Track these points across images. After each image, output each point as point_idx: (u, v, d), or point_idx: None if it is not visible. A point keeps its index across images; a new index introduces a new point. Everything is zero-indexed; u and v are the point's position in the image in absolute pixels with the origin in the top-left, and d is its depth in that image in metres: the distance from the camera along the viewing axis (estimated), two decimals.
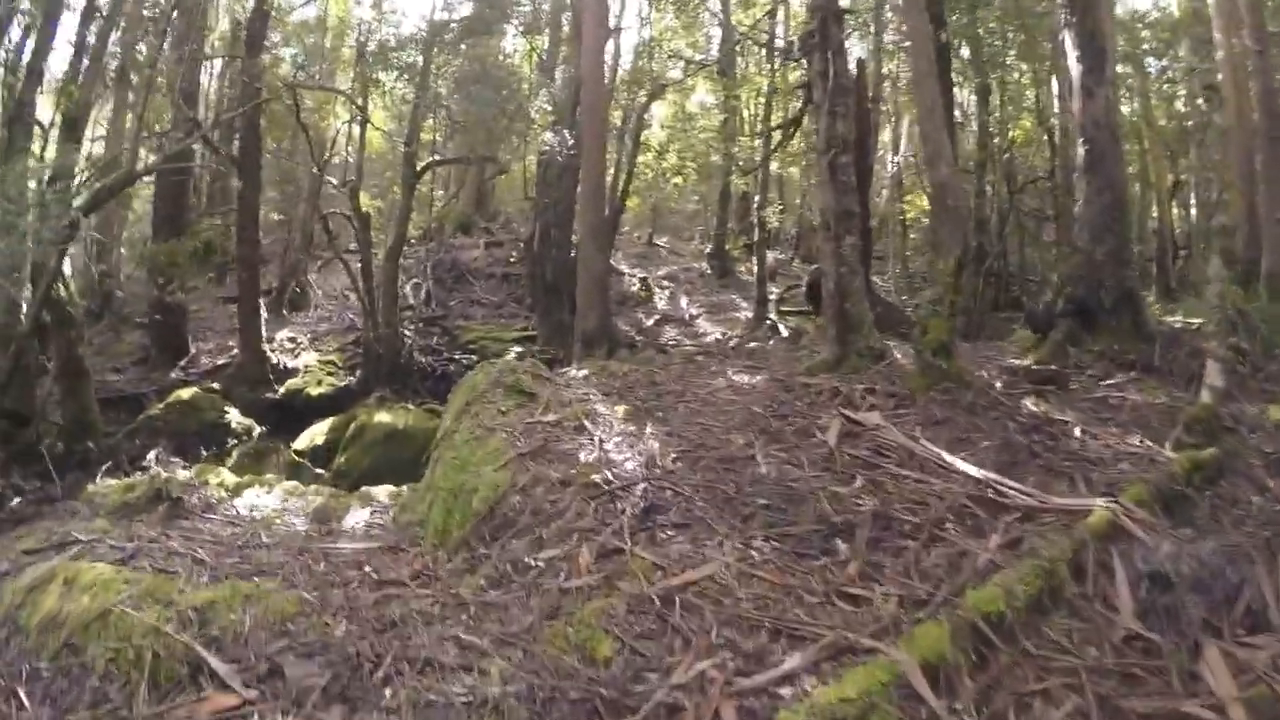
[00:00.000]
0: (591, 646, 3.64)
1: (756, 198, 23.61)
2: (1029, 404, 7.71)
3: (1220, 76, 16.70)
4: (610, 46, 21.51)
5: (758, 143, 24.03)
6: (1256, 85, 15.00)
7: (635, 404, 7.67)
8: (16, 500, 10.59)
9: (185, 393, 16.35)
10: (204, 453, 14.27)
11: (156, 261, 18.19)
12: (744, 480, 5.52)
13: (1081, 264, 11.17)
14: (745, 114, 29.85)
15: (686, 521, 4.92)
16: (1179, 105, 25.86)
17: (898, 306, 16.34)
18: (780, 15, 25.48)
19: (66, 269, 12.82)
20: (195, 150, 20.24)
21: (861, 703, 3.07)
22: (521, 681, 3.45)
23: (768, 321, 20.21)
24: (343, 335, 22.43)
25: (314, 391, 18.87)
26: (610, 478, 5.53)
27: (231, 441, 15.89)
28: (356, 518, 7.31)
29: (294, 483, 8.77)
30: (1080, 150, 11.71)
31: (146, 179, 19.66)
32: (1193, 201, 26.37)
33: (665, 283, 27.63)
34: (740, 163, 23.76)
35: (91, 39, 14.57)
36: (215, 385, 17.90)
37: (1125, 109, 22.33)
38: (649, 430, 6.71)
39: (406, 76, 20.51)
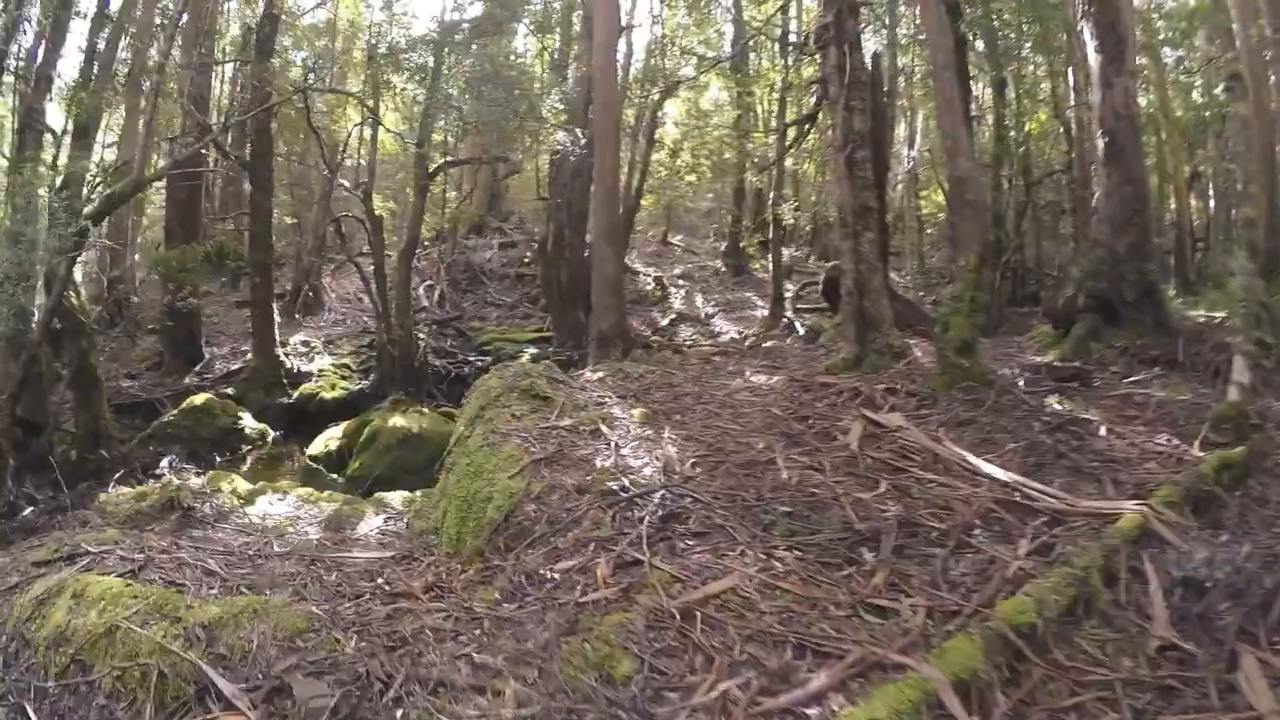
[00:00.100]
0: (610, 665, 3.50)
1: (771, 195, 23.44)
2: (1053, 402, 7.61)
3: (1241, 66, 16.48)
4: (622, 44, 21.40)
5: (772, 139, 23.91)
6: (1276, 74, 14.79)
7: (652, 407, 7.56)
8: (29, 510, 10.58)
9: (199, 398, 16.35)
10: (218, 459, 14.29)
11: (168, 267, 18.17)
12: (765, 486, 5.40)
13: (1103, 258, 11.02)
14: (759, 110, 29.70)
15: (706, 530, 4.79)
16: (1196, 96, 25.55)
17: (916, 304, 16.14)
18: (792, 11, 25.34)
19: (78, 276, 12.80)
20: (206, 155, 20.17)
21: None
22: (537, 704, 3.34)
23: (784, 320, 20.08)
24: (357, 338, 22.49)
25: (328, 395, 18.87)
26: (627, 484, 5.40)
27: (246, 447, 15.90)
28: (370, 525, 7.25)
29: (308, 489, 8.71)
30: (1100, 142, 11.57)
31: (159, 185, 19.69)
32: (1210, 193, 26.06)
33: (680, 282, 27.58)
34: (755, 160, 23.62)
35: (102, 45, 14.56)
36: (229, 390, 17.94)
37: (1141, 100, 22.05)
38: (666, 434, 6.59)
39: (417, 78, 20.42)
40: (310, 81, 18.52)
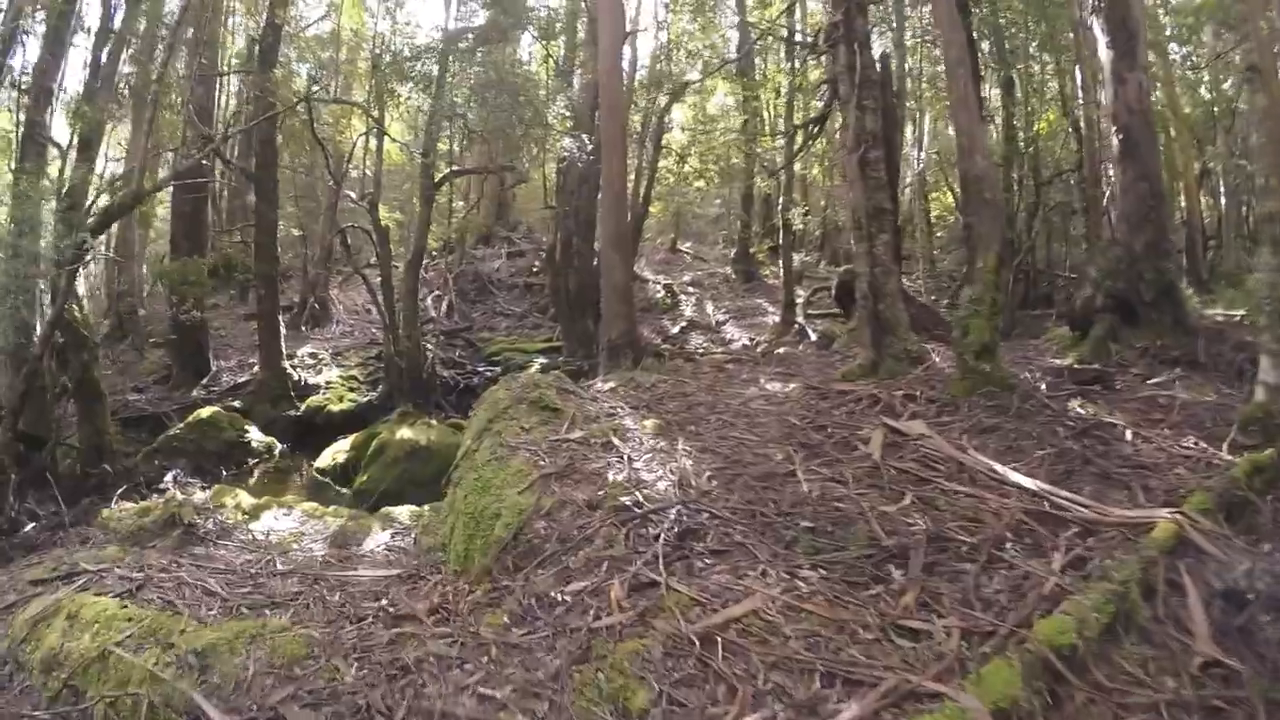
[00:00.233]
0: (625, 696, 3.32)
1: (780, 199, 23.28)
2: (1076, 406, 7.41)
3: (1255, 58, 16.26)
4: (627, 50, 21.25)
5: (780, 143, 23.75)
6: None
7: (665, 417, 7.39)
8: (30, 525, 10.44)
9: (205, 411, 16.25)
10: (224, 472, 14.17)
11: (172, 279, 18.08)
12: (785, 500, 5.21)
13: (1119, 256, 10.80)
14: (766, 114, 29.56)
15: (725, 548, 4.61)
16: (1204, 92, 25.32)
17: (930, 307, 15.95)
18: (797, 13, 25.19)
19: (83, 290, 12.69)
20: (210, 166, 20.10)
21: None
22: None
23: (796, 325, 19.91)
24: (364, 350, 22.38)
25: (336, 408, 18.75)
26: (641, 500, 5.22)
27: (252, 460, 15.78)
28: (376, 541, 7.10)
29: (313, 504, 8.58)
30: (1114, 139, 11.38)
31: (164, 197, 19.61)
32: (1221, 190, 25.81)
33: (690, 289, 27.48)
34: (764, 164, 23.46)
35: (105, 58, 14.47)
36: (236, 403, 17.85)
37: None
38: (680, 446, 6.41)
39: (422, 87, 20.30)
40: (314, 91, 18.42)
